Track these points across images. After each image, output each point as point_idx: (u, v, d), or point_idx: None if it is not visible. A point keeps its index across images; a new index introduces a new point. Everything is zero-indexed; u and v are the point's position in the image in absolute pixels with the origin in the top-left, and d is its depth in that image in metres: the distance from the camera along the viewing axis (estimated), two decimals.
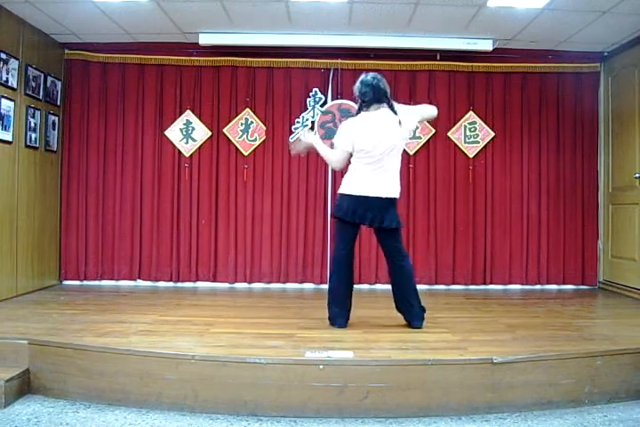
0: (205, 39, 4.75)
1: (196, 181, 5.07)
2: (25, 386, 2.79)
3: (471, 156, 5.10)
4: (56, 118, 4.91)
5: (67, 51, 5.03)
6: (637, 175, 4.54)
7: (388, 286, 3.42)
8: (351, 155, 3.19)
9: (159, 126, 5.07)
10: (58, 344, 2.83)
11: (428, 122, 4.80)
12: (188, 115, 5.07)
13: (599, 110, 5.15)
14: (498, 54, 4.95)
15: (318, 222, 5.07)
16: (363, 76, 3.21)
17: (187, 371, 2.64)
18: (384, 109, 3.17)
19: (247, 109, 5.06)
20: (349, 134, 3.15)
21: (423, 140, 5.08)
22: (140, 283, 5.08)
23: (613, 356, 2.77)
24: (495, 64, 5.05)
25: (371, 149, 3.11)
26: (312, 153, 3.44)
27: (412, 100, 4.95)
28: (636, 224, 4.59)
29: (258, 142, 5.07)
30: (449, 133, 5.09)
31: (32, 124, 4.50)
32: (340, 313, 3.30)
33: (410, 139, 4.64)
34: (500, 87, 5.11)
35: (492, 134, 5.10)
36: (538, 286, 5.08)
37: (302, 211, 5.07)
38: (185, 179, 5.07)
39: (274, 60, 5.04)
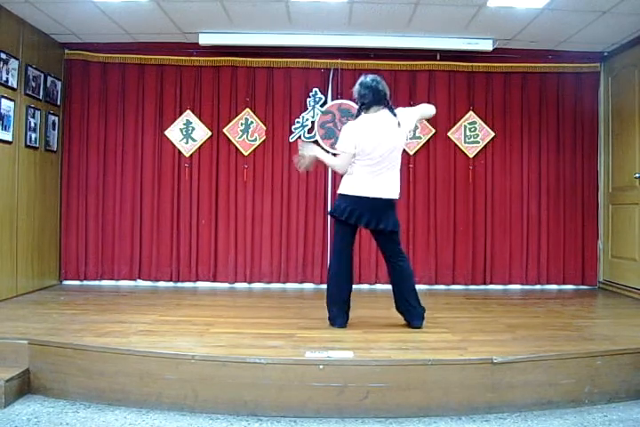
0: (205, 39, 4.75)
1: (196, 181, 5.07)
2: (25, 386, 2.79)
3: (471, 156, 5.10)
4: (56, 118, 4.91)
5: (67, 51, 5.03)
6: (637, 175, 4.54)
7: (388, 286, 3.42)
8: (353, 156, 3.20)
9: (159, 126, 5.07)
10: (58, 344, 2.83)
11: (428, 121, 4.81)
12: (188, 115, 5.07)
13: (599, 110, 5.15)
14: (498, 54, 4.95)
15: (318, 222, 5.07)
16: (362, 78, 3.22)
17: (187, 371, 2.64)
18: (383, 111, 3.18)
19: (247, 109, 5.06)
20: (351, 137, 3.15)
21: (423, 141, 5.08)
22: (140, 283, 5.08)
23: (613, 356, 2.77)
24: (495, 64, 5.05)
25: (371, 151, 3.11)
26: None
27: (411, 100, 4.96)
28: (636, 224, 4.59)
29: (258, 142, 5.07)
30: (449, 133, 5.09)
31: (32, 124, 4.50)
32: (339, 313, 3.30)
33: (410, 139, 4.66)
34: (499, 87, 5.11)
35: (492, 134, 5.10)
36: (538, 286, 5.08)
37: (302, 211, 5.07)
38: (185, 179, 5.07)
39: (274, 60, 5.04)
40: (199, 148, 5.08)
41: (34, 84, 4.52)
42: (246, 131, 5.06)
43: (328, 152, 4.90)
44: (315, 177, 5.07)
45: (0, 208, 4.13)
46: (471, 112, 5.09)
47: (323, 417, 2.55)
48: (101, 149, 5.05)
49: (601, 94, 5.16)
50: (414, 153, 5.07)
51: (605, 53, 5.05)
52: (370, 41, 4.81)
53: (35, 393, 2.81)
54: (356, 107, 3.28)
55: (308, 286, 5.06)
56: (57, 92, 4.92)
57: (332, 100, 5.09)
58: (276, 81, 5.09)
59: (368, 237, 3.45)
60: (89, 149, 5.04)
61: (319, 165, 4.97)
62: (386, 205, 3.18)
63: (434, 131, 5.07)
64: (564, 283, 5.09)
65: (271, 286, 5.06)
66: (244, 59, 5.04)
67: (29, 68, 4.43)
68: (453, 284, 5.07)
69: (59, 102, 4.96)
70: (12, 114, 4.20)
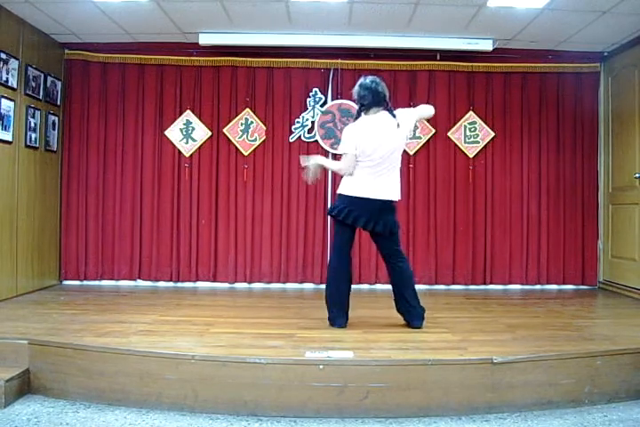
0: (205, 39, 4.75)
1: (196, 181, 5.07)
2: (25, 386, 2.79)
3: (471, 156, 5.10)
4: (56, 118, 4.91)
5: (67, 51, 5.03)
6: (637, 175, 4.54)
7: (388, 286, 3.42)
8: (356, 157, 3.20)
9: (159, 126, 5.07)
10: (58, 344, 2.83)
11: (428, 121, 4.81)
12: (188, 115, 5.07)
13: (599, 110, 5.15)
14: (498, 54, 4.95)
15: (318, 222, 5.07)
16: (362, 80, 3.22)
17: (187, 371, 2.64)
18: (383, 113, 3.18)
19: (247, 109, 5.06)
20: (353, 138, 3.15)
21: (423, 141, 5.08)
22: (140, 283, 5.08)
23: (613, 356, 2.77)
24: (495, 64, 5.05)
25: (371, 153, 3.11)
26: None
27: (411, 100, 4.97)
28: (636, 224, 4.59)
29: (258, 142, 5.07)
30: (449, 133, 5.09)
31: (32, 124, 4.50)
32: (339, 313, 3.30)
33: (410, 139, 4.65)
34: (499, 87, 5.11)
35: (492, 134, 5.10)
36: (538, 286, 5.08)
37: (302, 211, 5.07)
38: (185, 179, 5.07)
39: (274, 60, 5.04)
40: (199, 148, 5.08)
41: (34, 84, 4.52)
42: (246, 131, 5.06)
43: (328, 153, 4.95)
44: None
45: (0, 208, 4.13)
46: (471, 112, 5.09)
47: (323, 417, 2.55)
48: (101, 149, 5.05)
49: (601, 94, 5.16)
50: (414, 153, 5.07)
51: (605, 53, 5.05)
52: (370, 41, 4.81)
53: (35, 393, 2.81)
54: (356, 107, 3.28)
55: (308, 286, 5.06)
56: (57, 92, 4.92)
57: (332, 100, 5.09)
58: (275, 81, 5.09)
59: (368, 237, 3.44)
60: (89, 149, 5.04)
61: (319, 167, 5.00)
62: (385, 206, 3.18)
63: (434, 131, 5.07)
64: (563, 283, 5.09)
65: (271, 286, 5.06)
66: (243, 59, 5.04)
67: (29, 68, 4.43)
68: (453, 284, 5.07)
69: (59, 102, 4.96)
70: (11, 114, 4.20)
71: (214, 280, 5.07)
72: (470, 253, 5.06)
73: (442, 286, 5.07)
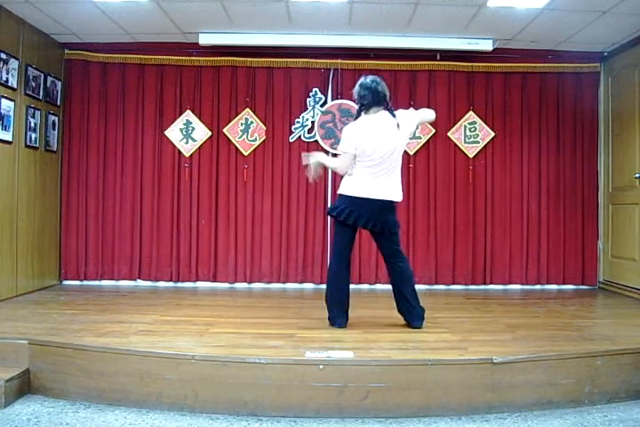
0: (205, 39, 4.75)
1: (196, 181, 5.07)
2: (25, 386, 2.79)
3: (471, 156, 5.10)
4: (56, 118, 4.91)
5: (67, 51, 5.03)
6: (637, 175, 4.54)
7: (388, 286, 3.42)
8: (354, 157, 3.20)
9: (159, 126, 5.07)
10: (58, 344, 2.83)
11: (428, 123, 4.81)
12: (188, 115, 5.07)
13: (599, 110, 5.15)
14: (498, 54, 4.95)
15: (318, 222, 5.07)
16: (362, 80, 3.22)
17: (187, 371, 2.64)
18: (383, 112, 3.18)
19: (247, 109, 5.06)
20: (352, 137, 3.15)
21: (423, 141, 5.08)
22: (140, 283, 5.08)
23: (613, 356, 2.77)
24: (495, 64, 5.05)
25: (371, 153, 3.11)
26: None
27: (411, 100, 4.97)
28: (636, 224, 4.59)
29: (258, 142, 5.07)
30: (449, 133, 5.09)
31: (32, 124, 4.50)
32: (339, 313, 3.30)
33: (410, 139, 4.63)
34: (499, 87, 5.11)
35: (492, 134, 5.10)
36: (538, 286, 5.08)
37: (302, 211, 5.07)
38: (185, 179, 5.07)
39: (274, 60, 5.04)
40: (199, 148, 5.08)
41: (34, 84, 4.52)
42: (246, 131, 5.06)
43: (328, 153, 4.95)
44: None
45: (0, 208, 4.13)
46: (471, 112, 5.09)
47: (323, 417, 2.55)
48: (101, 149, 5.05)
49: (601, 94, 5.15)
50: (414, 153, 5.07)
51: (605, 53, 5.05)
52: (370, 41, 4.81)
53: (35, 393, 2.81)
54: (356, 107, 3.28)
55: (308, 286, 5.06)
56: (57, 92, 4.92)
57: (332, 100, 5.09)
58: (275, 81, 5.09)
59: (368, 237, 3.45)
60: (89, 149, 5.04)
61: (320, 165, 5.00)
62: (385, 206, 3.18)
63: (434, 131, 5.07)
64: (563, 283, 5.09)
65: (271, 286, 5.06)
66: (244, 59, 5.04)
67: (29, 68, 4.43)
68: (453, 284, 5.07)
69: (59, 102, 4.96)
70: (11, 114, 4.20)
71: (214, 280, 5.07)
72: (470, 253, 5.06)
73: (442, 286, 5.07)
